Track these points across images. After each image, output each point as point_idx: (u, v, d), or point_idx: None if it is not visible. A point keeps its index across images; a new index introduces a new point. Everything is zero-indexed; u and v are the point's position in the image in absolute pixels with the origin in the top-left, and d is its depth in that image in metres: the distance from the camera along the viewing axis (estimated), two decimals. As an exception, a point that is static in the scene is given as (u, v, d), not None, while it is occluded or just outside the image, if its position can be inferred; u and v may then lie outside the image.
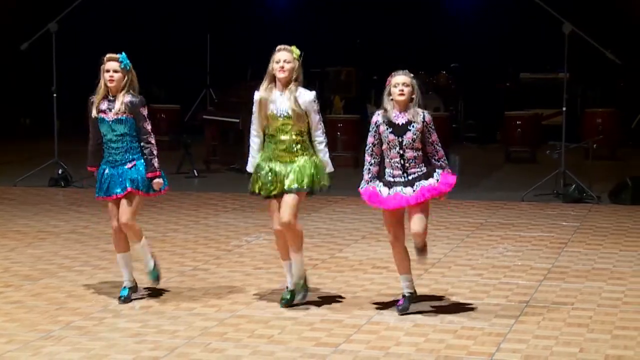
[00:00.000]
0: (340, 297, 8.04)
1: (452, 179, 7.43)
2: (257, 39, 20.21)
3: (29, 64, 19.41)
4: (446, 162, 7.46)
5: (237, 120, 14.90)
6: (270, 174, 7.56)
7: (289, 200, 7.52)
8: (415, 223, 7.38)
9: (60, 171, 13.98)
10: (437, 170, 7.41)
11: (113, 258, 9.38)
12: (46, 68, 14.55)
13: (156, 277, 8.07)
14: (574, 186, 12.94)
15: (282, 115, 7.51)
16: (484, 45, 20.23)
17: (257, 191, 7.65)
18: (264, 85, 7.58)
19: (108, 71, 7.72)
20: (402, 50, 20.44)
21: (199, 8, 20.97)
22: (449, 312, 7.58)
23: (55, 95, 14.06)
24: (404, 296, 7.56)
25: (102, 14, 20.30)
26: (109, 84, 7.73)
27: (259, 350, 6.67)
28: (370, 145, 7.45)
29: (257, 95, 7.60)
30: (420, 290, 8.12)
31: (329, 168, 7.71)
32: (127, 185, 7.74)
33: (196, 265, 9.19)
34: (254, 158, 7.71)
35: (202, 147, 16.01)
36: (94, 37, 20.36)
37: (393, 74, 7.42)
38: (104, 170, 7.84)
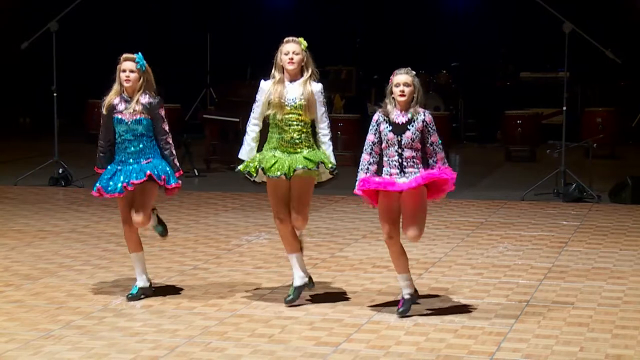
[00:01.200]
0: (341, 296, 8.03)
1: (452, 173, 7.36)
2: (257, 38, 20.23)
3: (29, 63, 19.41)
4: (446, 162, 7.37)
5: (238, 120, 14.90)
6: (274, 158, 7.57)
7: (300, 194, 7.58)
8: (410, 228, 7.29)
9: (60, 170, 13.97)
10: (435, 168, 7.35)
11: (113, 257, 9.41)
12: (46, 67, 14.55)
13: (162, 231, 8.09)
14: (574, 185, 12.93)
15: (290, 105, 7.54)
16: (484, 45, 20.23)
17: (253, 170, 7.63)
18: (274, 75, 7.61)
19: (124, 71, 7.72)
20: (403, 49, 20.45)
21: (199, 7, 20.97)
22: (449, 312, 7.58)
23: (55, 94, 14.05)
24: (403, 298, 7.52)
25: (103, 13, 20.30)
26: (125, 84, 7.72)
27: (259, 349, 6.66)
28: (370, 143, 7.35)
29: (265, 84, 7.64)
30: (421, 290, 8.12)
31: (332, 161, 7.71)
32: (146, 171, 7.68)
33: (196, 265, 9.19)
34: (250, 146, 7.76)
35: (202, 147, 16.01)
36: (94, 36, 20.39)
37: (395, 72, 7.37)
38: (116, 169, 7.81)
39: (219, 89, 18.49)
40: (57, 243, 10.10)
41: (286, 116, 7.55)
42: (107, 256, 9.46)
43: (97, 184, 7.81)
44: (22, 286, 8.33)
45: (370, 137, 7.37)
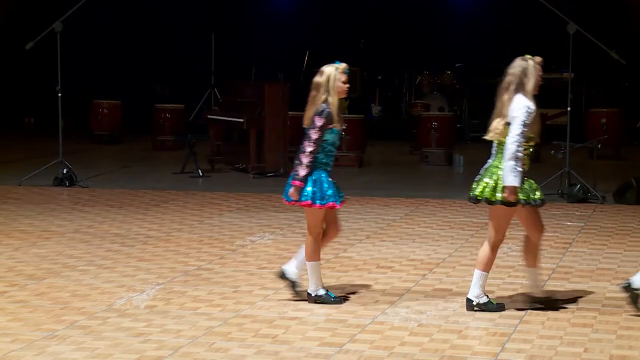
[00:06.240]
0: (345, 296, 8.03)
1: None
2: (261, 39, 20.24)
3: (34, 63, 19.44)
4: None
5: (242, 120, 14.89)
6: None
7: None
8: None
9: (64, 170, 13.97)
10: None
11: (117, 257, 9.41)
12: (51, 67, 14.57)
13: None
14: (578, 186, 12.91)
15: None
16: (487, 45, 20.23)
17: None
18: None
19: (345, 82, 7.81)
20: (407, 50, 20.46)
21: (204, 8, 20.99)
22: (453, 312, 7.58)
23: (60, 94, 14.06)
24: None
25: (107, 13, 20.32)
26: (344, 95, 7.84)
27: (263, 349, 6.67)
28: None
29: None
30: (424, 290, 8.13)
31: None
32: (342, 198, 7.87)
33: (200, 265, 9.19)
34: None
35: (206, 147, 16.03)
36: (98, 36, 20.41)
37: None
38: (327, 178, 7.76)
39: (223, 89, 18.50)
40: (61, 243, 10.10)
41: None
42: (111, 256, 9.47)
43: (329, 200, 7.72)
44: (26, 286, 8.34)
45: None
